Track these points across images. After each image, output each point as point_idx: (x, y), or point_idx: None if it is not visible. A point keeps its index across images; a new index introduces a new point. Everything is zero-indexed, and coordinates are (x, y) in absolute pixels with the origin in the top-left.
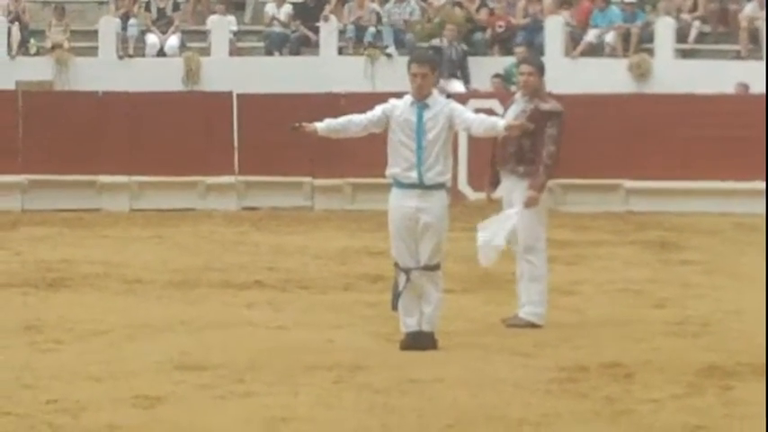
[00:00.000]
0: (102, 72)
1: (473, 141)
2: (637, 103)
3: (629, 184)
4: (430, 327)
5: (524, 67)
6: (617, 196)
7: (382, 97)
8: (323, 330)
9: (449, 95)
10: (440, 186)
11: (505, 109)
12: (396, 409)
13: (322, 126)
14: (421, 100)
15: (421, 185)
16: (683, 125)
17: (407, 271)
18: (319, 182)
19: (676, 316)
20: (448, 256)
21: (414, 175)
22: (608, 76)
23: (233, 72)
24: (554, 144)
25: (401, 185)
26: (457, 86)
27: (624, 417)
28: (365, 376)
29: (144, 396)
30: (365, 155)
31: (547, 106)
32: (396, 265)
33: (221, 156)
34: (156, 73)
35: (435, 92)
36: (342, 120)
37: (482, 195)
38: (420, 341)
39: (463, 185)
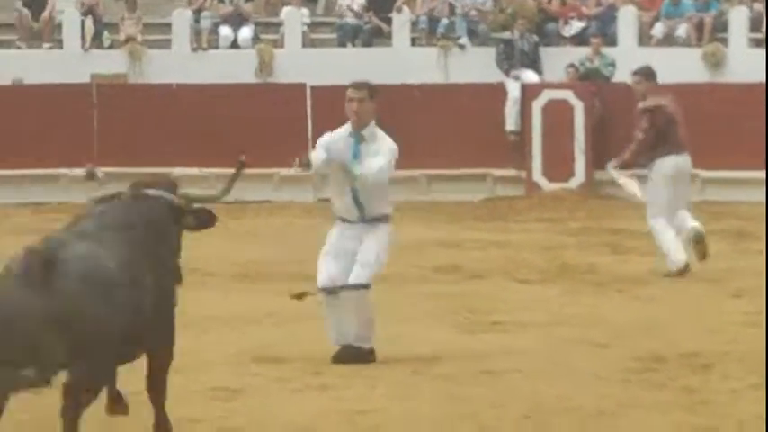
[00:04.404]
0: (176, 64)
1: (547, 133)
2: (711, 92)
3: (704, 173)
4: (364, 343)
5: (633, 77)
6: (693, 186)
7: (455, 88)
8: (399, 322)
9: (523, 85)
10: (384, 218)
11: None
12: (473, 399)
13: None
14: (358, 129)
15: (363, 221)
16: (757, 114)
17: (330, 291)
18: (395, 173)
19: (754, 306)
20: (526, 246)
21: (354, 211)
22: (682, 66)
23: (306, 64)
24: (640, 132)
25: (344, 220)
26: (531, 77)
27: (702, 407)
28: (442, 367)
29: (222, 388)
30: (439, 146)
31: (641, 104)
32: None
33: (295, 148)
34: (230, 65)
35: (373, 124)
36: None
37: (556, 186)
38: (354, 355)
39: (538, 176)
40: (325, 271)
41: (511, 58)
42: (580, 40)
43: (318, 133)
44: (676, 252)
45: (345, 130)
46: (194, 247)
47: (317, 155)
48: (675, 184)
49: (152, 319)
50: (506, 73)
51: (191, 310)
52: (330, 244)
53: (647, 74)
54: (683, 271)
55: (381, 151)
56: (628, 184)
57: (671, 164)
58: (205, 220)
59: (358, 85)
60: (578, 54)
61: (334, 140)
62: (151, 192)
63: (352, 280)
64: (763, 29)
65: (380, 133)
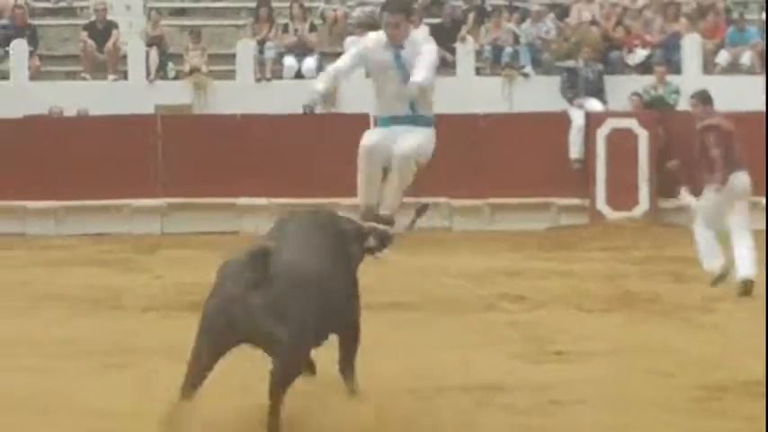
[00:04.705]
0: (240, 95)
1: (611, 161)
2: None
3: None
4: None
5: (690, 101)
6: (755, 213)
7: (519, 117)
8: (462, 351)
9: (587, 114)
10: (428, 122)
11: None
12: (538, 430)
13: (321, 88)
14: (397, 44)
15: (410, 117)
16: None
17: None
18: (457, 202)
19: None
20: (589, 275)
21: (401, 105)
22: (745, 94)
23: (370, 94)
24: (714, 149)
25: (385, 122)
26: (595, 105)
27: None
28: (505, 397)
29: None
30: (503, 175)
31: (702, 124)
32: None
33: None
34: (294, 95)
35: (413, 32)
36: (333, 73)
37: (620, 215)
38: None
39: (602, 205)
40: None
41: (575, 87)
42: (644, 68)
43: None
44: (711, 259)
45: (382, 38)
46: None
47: (317, 85)
48: (731, 200)
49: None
50: (570, 101)
51: None
52: (365, 153)
53: (703, 98)
54: (722, 276)
55: (422, 53)
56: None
57: (731, 182)
58: (384, 240)
59: (393, 9)
60: (643, 82)
61: (369, 49)
62: (341, 213)
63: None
64: None
65: (418, 36)
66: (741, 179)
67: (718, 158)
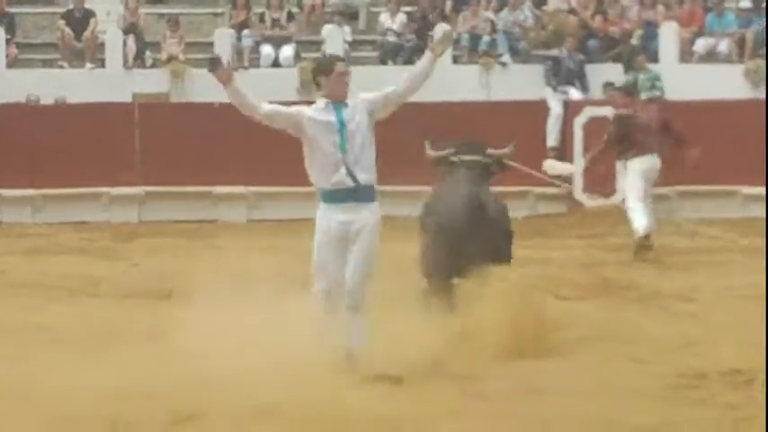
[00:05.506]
0: (218, 83)
1: (589, 149)
2: (753, 109)
3: (746, 190)
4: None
5: (616, 92)
6: (734, 202)
7: (497, 106)
8: (443, 340)
9: (565, 102)
10: (371, 197)
11: None
12: (520, 417)
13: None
14: (342, 100)
15: (353, 193)
16: None
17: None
18: None
19: None
20: (567, 263)
21: (342, 171)
22: (724, 82)
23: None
24: (606, 134)
25: (329, 198)
26: (575, 94)
27: (745, 423)
28: (486, 385)
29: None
30: None
31: (614, 113)
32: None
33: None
34: (271, 83)
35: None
36: (253, 98)
37: (598, 202)
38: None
39: (579, 193)
40: (324, 278)
41: (558, 76)
42: (621, 57)
43: None
44: (640, 220)
45: (320, 103)
46: (239, 265)
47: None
48: (645, 179)
49: None
50: (554, 90)
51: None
52: (319, 249)
53: (626, 91)
54: (647, 235)
55: (366, 103)
56: (559, 169)
57: (639, 163)
58: (503, 167)
59: (343, 60)
60: (621, 70)
61: (309, 116)
62: (471, 157)
63: (351, 298)
64: None
65: (354, 95)
66: (649, 161)
67: (605, 142)
